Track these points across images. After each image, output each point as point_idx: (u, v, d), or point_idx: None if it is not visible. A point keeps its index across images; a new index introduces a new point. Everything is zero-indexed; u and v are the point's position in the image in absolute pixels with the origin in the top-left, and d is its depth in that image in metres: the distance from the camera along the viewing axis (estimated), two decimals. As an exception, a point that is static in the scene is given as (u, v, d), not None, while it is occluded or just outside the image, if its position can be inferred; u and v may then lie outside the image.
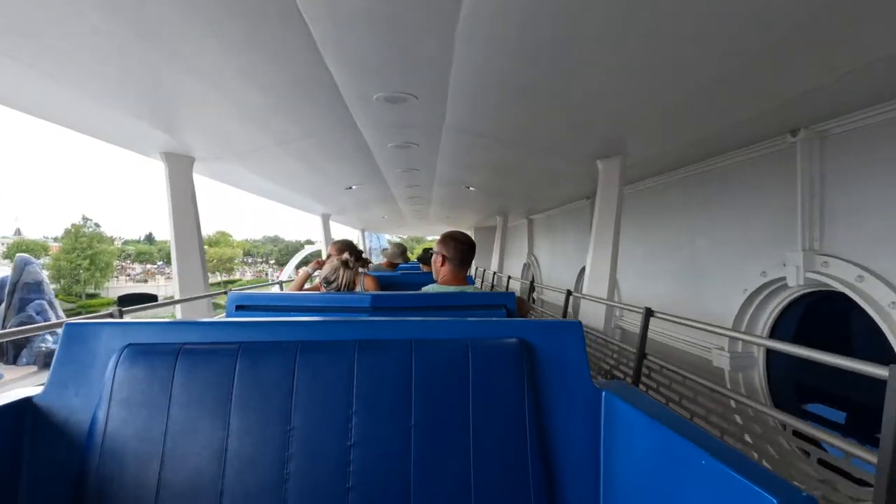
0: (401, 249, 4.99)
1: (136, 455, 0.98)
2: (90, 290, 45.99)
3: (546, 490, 1.04)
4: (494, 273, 8.99)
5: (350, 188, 6.50)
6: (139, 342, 1.07)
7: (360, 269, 2.72)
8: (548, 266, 9.51)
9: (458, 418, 1.04)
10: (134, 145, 4.01)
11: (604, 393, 1.11)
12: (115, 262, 55.18)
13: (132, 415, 1.00)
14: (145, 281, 52.91)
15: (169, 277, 54.88)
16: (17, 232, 58.67)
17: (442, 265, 2.06)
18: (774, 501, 0.64)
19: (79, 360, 1.06)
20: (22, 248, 49.49)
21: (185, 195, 4.21)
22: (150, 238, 69.99)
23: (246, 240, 74.15)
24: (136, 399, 1.01)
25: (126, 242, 66.29)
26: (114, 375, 1.02)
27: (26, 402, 1.01)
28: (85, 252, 45.09)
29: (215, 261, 56.10)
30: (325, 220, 9.47)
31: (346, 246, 2.80)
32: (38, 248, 49.01)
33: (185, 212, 4.20)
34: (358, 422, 1.02)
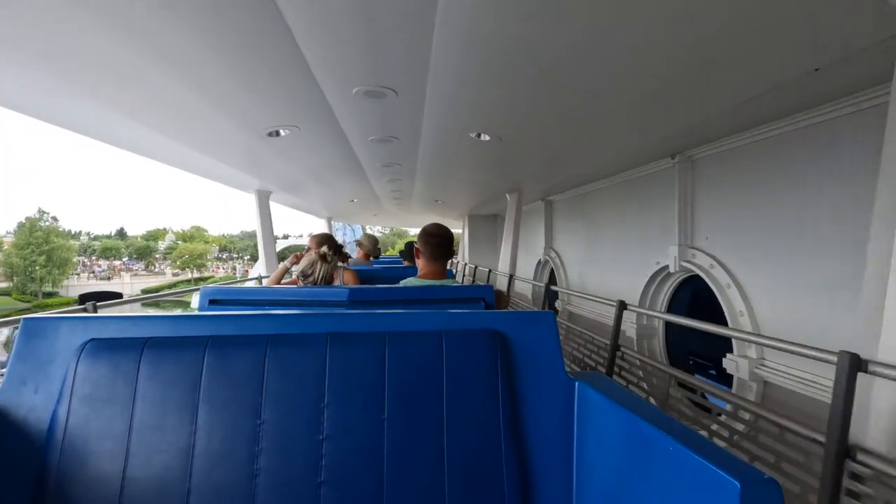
0: (374, 241, 5.01)
1: (99, 453, 0.99)
2: (48, 289, 44.31)
3: (520, 480, 1.08)
4: (490, 271, 7.53)
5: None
6: (103, 337, 1.07)
7: (340, 264, 2.76)
8: (578, 264, 7.25)
9: (432, 410, 1.08)
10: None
11: (577, 383, 1.17)
12: (79, 259, 53.84)
13: (95, 411, 1.01)
14: (109, 278, 51.78)
15: (135, 274, 53.91)
16: None
17: (419, 259, 2.15)
18: (737, 484, 0.69)
19: (38, 356, 1.06)
20: None
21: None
22: (121, 233, 68.47)
23: (223, 235, 73.32)
24: (100, 395, 1.02)
25: (95, 238, 64.57)
26: (75, 371, 1.03)
27: None
28: (41, 248, 43.45)
29: (185, 256, 55.31)
30: (262, 202, 9.34)
31: (326, 239, 2.84)
32: None
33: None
34: (330, 415, 1.05)
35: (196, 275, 55.07)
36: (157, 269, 58.08)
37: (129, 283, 49.71)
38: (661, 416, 0.95)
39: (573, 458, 1.14)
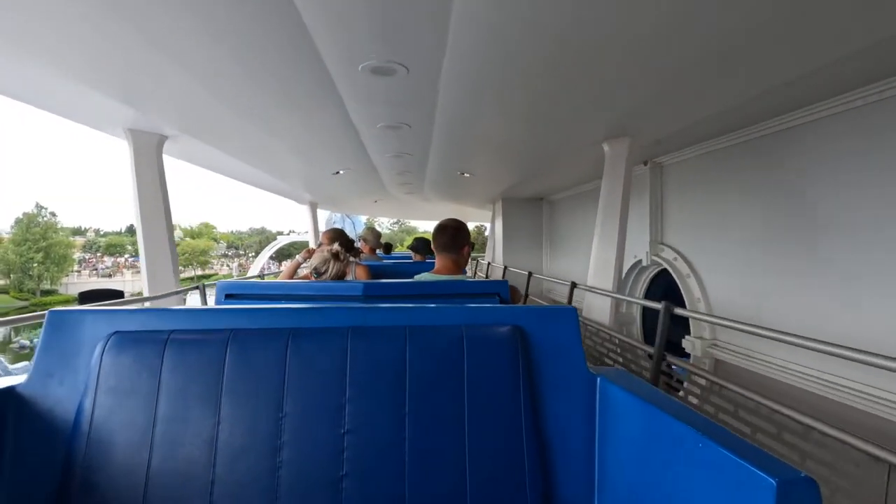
0: (377, 234, 5.09)
1: (124, 444, 1.04)
2: (46, 286, 44.94)
3: (541, 474, 1.12)
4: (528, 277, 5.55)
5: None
6: (126, 329, 1.13)
7: (352, 259, 2.85)
8: (738, 273, 4.36)
9: (453, 405, 1.12)
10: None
11: (599, 378, 1.20)
12: (83, 256, 55.04)
13: (120, 403, 1.07)
14: (110, 276, 52.80)
15: (136, 272, 54.89)
16: None
17: (436, 255, 2.22)
18: (773, 482, 0.68)
19: (63, 349, 1.12)
20: None
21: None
22: (131, 230, 69.96)
23: (231, 231, 74.80)
24: (124, 387, 1.07)
25: (104, 234, 66.27)
26: (100, 363, 1.08)
27: (9, 392, 1.07)
28: (38, 244, 43.93)
29: (188, 253, 56.17)
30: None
31: (338, 235, 2.94)
32: None
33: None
34: (352, 409, 1.09)
35: (199, 272, 55.88)
36: (158, 267, 58.97)
37: (131, 281, 50.54)
38: (686, 411, 0.97)
39: (595, 453, 1.17)
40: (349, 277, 2.62)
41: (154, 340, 1.11)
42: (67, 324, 1.14)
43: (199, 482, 1.04)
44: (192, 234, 65.01)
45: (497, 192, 8.89)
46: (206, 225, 68.90)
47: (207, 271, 57.85)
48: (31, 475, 1.05)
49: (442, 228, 2.20)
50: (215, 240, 65.27)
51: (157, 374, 1.09)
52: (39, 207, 46.81)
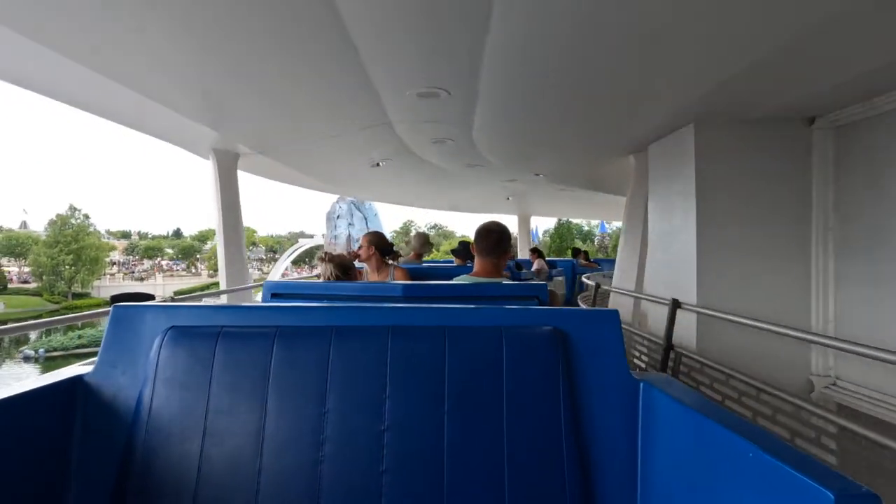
0: (423, 238, 5.22)
1: (179, 432, 1.18)
2: (78, 289, 46.99)
3: (581, 481, 1.18)
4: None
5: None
6: (181, 324, 1.28)
7: (391, 262, 3.06)
8: None
9: (492, 405, 1.20)
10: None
11: (642, 384, 1.24)
12: (126, 259, 58.27)
13: (175, 394, 1.21)
14: (142, 279, 55.77)
15: (171, 275, 57.75)
16: (24, 225, 62.83)
17: (476, 258, 2.33)
18: (831, 496, 0.68)
19: (125, 341, 1.28)
20: (11, 241, 52.43)
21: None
22: (177, 233, 76.29)
23: (270, 235, 78.76)
24: (179, 379, 1.22)
25: (153, 237, 71.69)
26: (158, 356, 1.24)
27: (78, 380, 1.24)
28: (69, 246, 46.26)
29: (217, 258, 58.62)
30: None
31: (376, 239, 3.17)
32: (29, 242, 51.15)
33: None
34: (391, 406, 1.19)
35: (229, 275, 58.23)
36: (195, 270, 62.55)
37: (162, 285, 53.17)
38: (735, 420, 0.99)
39: (638, 461, 1.22)
40: (388, 280, 2.82)
41: (207, 335, 1.26)
42: (130, 318, 1.31)
43: (246, 471, 1.16)
44: None
45: (671, 109, 4.14)
46: (247, 229, 72.03)
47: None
48: (96, 456, 1.21)
49: (487, 232, 2.30)
50: (254, 243, 68.24)
51: (210, 368, 1.23)
52: (73, 209, 49.18)
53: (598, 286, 4.95)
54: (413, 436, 1.19)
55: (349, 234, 37.43)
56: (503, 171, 7.75)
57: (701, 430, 1.02)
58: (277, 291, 2.01)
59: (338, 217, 38.86)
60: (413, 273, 3.25)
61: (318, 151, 5.66)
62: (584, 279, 6.95)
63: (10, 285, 48.04)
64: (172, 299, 5.08)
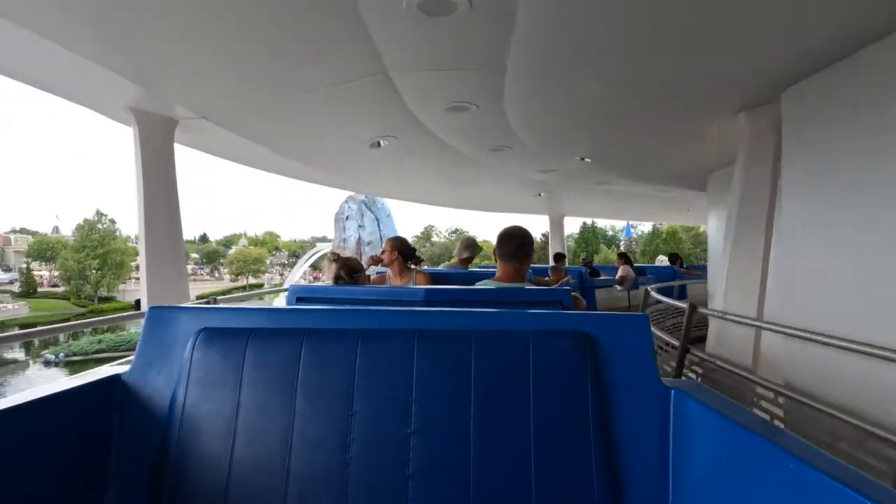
0: (470, 242, 4.87)
1: (211, 432, 1.23)
2: (104, 293, 48.46)
3: (611, 489, 1.17)
4: None
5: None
6: (213, 326, 1.33)
7: (413, 267, 3.12)
8: None
9: (519, 409, 1.21)
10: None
11: (673, 391, 1.23)
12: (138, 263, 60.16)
13: (207, 394, 1.26)
14: (166, 284, 57.32)
15: (194, 279, 59.18)
16: (55, 230, 65.55)
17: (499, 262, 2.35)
18: None
19: (161, 342, 1.34)
20: (42, 246, 54.67)
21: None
22: (203, 238, 78.60)
23: (293, 240, 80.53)
24: (211, 379, 1.27)
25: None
26: (191, 356, 1.29)
27: (116, 379, 1.30)
28: (95, 251, 47.53)
29: (241, 261, 59.83)
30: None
31: (399, 244, 3.27)
32: (58, 247, 53.19)
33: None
34: (417, 410, 1.21)
35: (252, 280, 59.41)
36: (217, 275, 64.03)
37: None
38: (773, 428, 0.98)
39: (669, 470, 1.21)
40: (410, 284, 2.88)
41: (237, 336, 1.30)
42: (165, 319, 1.37)
43: (276, 471, 1.19)
44: (256, 242, 70.83)
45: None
46: (270, 234, 75.34)
47: (261, 279, 61.24)
48: (132, 452, 1.26)
49: (509, 236, 2.32)
50: (277, 248, 69.83)
51: (240, 369, 1.27)
52: (99, 214, 50.71)
53: (646, 293, 4.15)
54: (439, 440, 1.21)
55: (359, 237, 35.73)
56: (536, 156, 6.13)
57: (737, 439, 1.01)
58: (302, 296, 2.07)
59: (346, 218, 36.90)
60: (435, 277, 3.31)
61: (297, 122, 4.40)
62: (651, 292, 5.27)
63: (39, 289, 50.03)
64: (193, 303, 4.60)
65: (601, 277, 8.54)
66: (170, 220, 3.93)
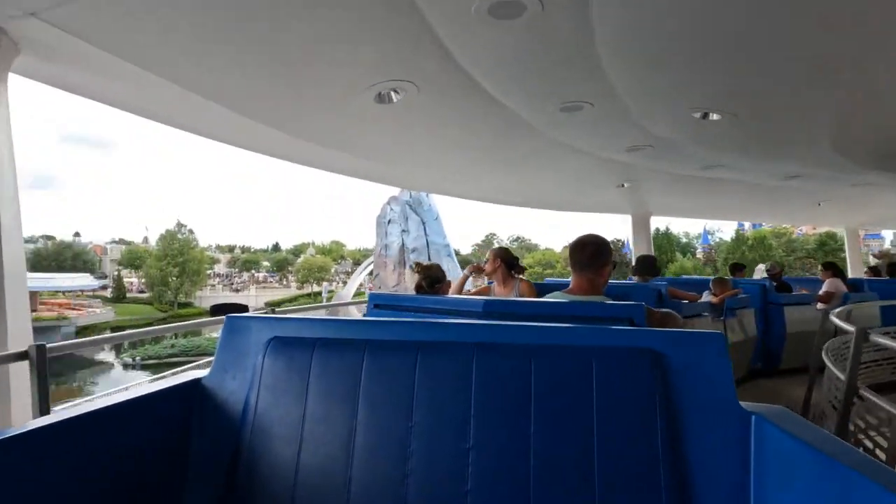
0: (651, 260, 4.67)
1: (278, 437, 1.30)
2: (183, 299, 52.82)
3: None
4: None
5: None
6: (282, 335, 1.42)
7: (516, 275, 3.25)
8: None
9: (580, 430, 1.18)
10: None
11: (754, 417, 1.15)
12: (228, 271, 64.56)
13: (276, 400, 1.34)
14: (237, 290, 60.81)
15: (264, 287, 62.48)
16: (145, 240, 71.77)
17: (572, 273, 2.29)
18: None
19: (236, 349, 1.44)
20: (132, 255, 61.02)
21: None
22: (276, 247, 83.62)
23: (358, 249, 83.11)
24: (280, 386, 1.35)
25: (253, 251, 79.60)
26: (262, 364, 1.37)
27: (196, 382, 1.42)
28: (175, 259, 51.24)
29: (306, 270, 62.45)
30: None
31: (500, 253, 3.40)
32: (145, 255, 58.70)
33: None
34: (476, 424, 1.22)
35: (316, 288, 61.80)
36: (285, 283, 67.29)
37: (255, 296, 57.59)
38: (872, 464, 0.90)
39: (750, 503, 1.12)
40: (513, 293, 2.95)
41: (304, 346, 1.38)
42: (239, 328, 1.47)
43: (338, 479, 1.24)
44: (323, 251, 74.34)
45: None
46: (336, 243, 78.85)
47: (321, 288, 63.78)
48: (210, 453, 1.36)
49: (581, 245, 2.24)
50: (342, 256, 72.75)
51: (306, 377, 1.34)
52: (179, 225, 55.68)
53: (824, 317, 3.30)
54: (498, 456, 1.20)
55: (402, 243, 32.16)
56: (627, 117, 4.25)
57: (830, 475, 0.93)
58: (379, 303, 2.22)
59: (389, 222, 33.21)
60: (538, 288, 3.37)
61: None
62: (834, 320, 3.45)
63: (128, 294, 55.11)
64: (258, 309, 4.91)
65: (795, 293, 7.13)
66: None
